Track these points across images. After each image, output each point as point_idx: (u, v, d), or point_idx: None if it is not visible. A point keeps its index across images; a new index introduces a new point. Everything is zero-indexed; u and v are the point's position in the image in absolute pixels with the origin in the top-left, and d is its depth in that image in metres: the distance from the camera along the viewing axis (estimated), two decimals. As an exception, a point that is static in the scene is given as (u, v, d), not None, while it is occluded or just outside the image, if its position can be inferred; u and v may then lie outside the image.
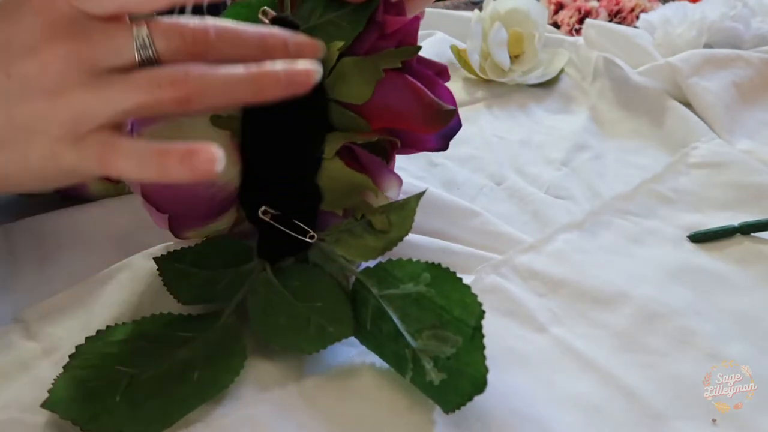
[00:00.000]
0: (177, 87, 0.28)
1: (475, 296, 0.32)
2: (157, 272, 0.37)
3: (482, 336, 0.31)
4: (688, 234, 0.45)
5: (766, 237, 0.45)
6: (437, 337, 0.32)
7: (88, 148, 0.29)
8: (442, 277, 0.34)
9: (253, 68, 0.30)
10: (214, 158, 0.27)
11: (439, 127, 0.39)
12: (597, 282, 0.41)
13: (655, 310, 0.39)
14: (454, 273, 0.33)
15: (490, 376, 0.30)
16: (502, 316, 0.38)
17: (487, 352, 0.31)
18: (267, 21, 0.36)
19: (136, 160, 0.28)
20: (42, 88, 0.28)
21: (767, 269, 0.42)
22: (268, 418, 0.32)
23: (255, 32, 0.31)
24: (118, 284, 0.39)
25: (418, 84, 0.38)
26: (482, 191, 0.51)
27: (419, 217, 0.37)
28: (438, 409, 0.32)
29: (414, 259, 0.35)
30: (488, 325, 0.32)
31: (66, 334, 0.36)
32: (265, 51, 0.31)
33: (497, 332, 0.35)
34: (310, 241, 0.37)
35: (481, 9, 0.69)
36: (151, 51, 0.29)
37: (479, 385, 0.30)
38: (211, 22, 0.31)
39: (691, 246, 0.44)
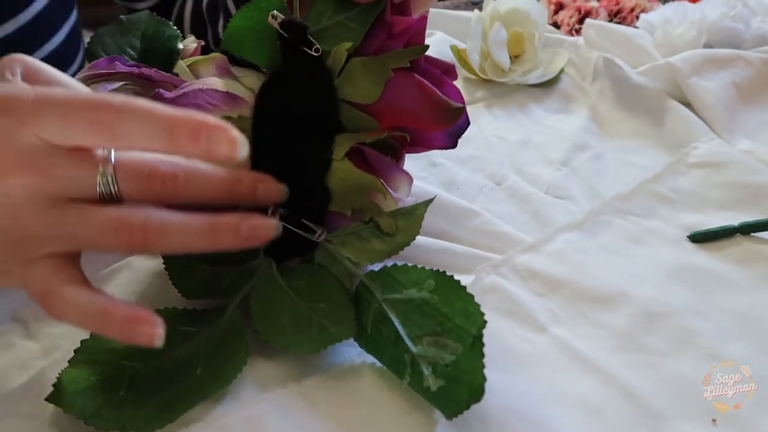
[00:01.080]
0: (134, 234, 0.28)
1: (478, 306, 0.32)
2: (163, 267, 0.37)
3: (482, 345, 0.31)
4: (688, 234, 0.45)
5: (766, 237, 0.45)
6: (437, 343, 0.32)
7: (35, 277, 0.29)
8: (446, 284, 0.34)
9: (213, 219, 0.29)
10: (154, 334, 0.27)
11: (448, 125, 0.39)
12: (597, 282, 0.41)
13: (655, 310, 0.39)
14: (458, 281, 0.33)
15: (490, 376, 0.30)
16: (502, 316, 0.38)
17: (487, 352, 0.31)
18: (276, 24, 0.36)
19: (79, 313, 0.28)
20: None
21: (767, 269, 0.42)
22: (268, 418, 0.32)
23: (224, 177, 0.31)
24: (118, 284, 0.39)
25: (427, 83, 0.38)
26: (482, 191, 0.51)
27: (419, 218, 0.37)
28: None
29: (419, 266, 0.35)
30: (488, 325, 0.32)
31: (66, 334, 0.36)
32: (232, 195, 0.31)
33: (497, 332, 0.35)
34: (317, 240, 0.37)
35: (481, 9, 0.68)
36: (114, 189, 0.29)
37: (477, 393, 0.30)
38: (182, 164, 0.30)
39: (691, 246, 0.44)
